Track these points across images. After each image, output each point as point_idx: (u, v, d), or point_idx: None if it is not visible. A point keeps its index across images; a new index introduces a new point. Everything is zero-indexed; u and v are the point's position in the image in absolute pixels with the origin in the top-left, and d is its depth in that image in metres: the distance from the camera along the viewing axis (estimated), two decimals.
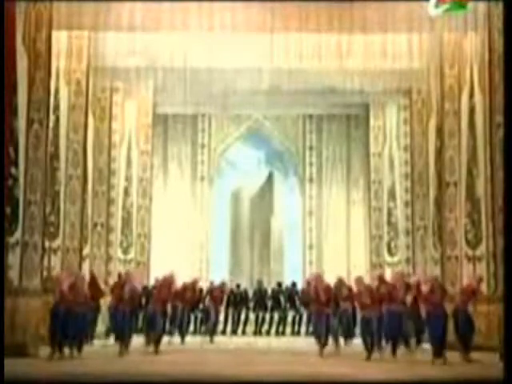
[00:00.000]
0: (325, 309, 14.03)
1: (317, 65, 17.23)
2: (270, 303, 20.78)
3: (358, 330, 15.29)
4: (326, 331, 13.99)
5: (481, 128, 15.71)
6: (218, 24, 15.93)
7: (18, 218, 13.67)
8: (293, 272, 23.71)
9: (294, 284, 21.42)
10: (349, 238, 25.03)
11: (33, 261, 13.83)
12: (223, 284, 19.05)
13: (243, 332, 20.48)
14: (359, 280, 14.11)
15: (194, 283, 18.08)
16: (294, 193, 25.95)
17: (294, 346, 17.34)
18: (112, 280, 18.11)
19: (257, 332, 20.53)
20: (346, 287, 15.53)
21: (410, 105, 20.67)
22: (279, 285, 21.38)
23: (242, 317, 20.69)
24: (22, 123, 13.91)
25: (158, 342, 14.58)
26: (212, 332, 17.95)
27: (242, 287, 21.31)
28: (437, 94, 17.59)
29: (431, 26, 15.55)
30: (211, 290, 18.68)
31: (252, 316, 20.77)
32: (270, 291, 21.14)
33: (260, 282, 21.49)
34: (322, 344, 13.99)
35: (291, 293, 20.93)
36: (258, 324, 20.67)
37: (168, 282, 15.31)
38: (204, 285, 19.63)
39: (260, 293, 20.97)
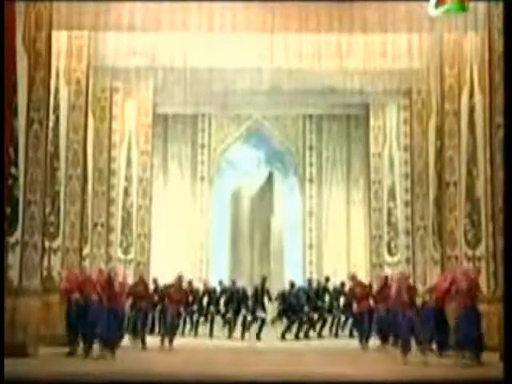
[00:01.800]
0: (407, 310, 13.14)
1: (317, 65, 17.20)
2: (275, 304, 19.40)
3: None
4: (409, 334, 12.99)
5: (481, 128, 15.68)
6: (218, 24, 15.92)
7: (17, 217, 13.65)
8: (293, 272, 23.66)
9: (309, 281, 20.64)
10: (349, 238, 25.05)
11: (33, 261, 13.80)
12: (179, 278, 16.34)
13: (242, 336, 18.64)
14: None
15: (142, 278, 16.70)
16: (293, 193, 25.97)
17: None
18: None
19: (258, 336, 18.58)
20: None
21: (410, 105, 20.63)
22: (292, 285, 19.60)
23: (240, 318, 19.07)
24: (22, 123, 13.89)
25: (89, 345, 13.30)
26: (170, 335, 15.80)
27: (241, 285, 19.99)
28: (437, 94, 17.58)
29: (431, 26, 15.52)
30: (168, 287, 16.61)
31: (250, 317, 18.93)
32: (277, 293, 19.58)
33: (264, 279, 19.62)
34: (406, 349, 12.84)
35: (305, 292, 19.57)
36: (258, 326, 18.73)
37: (106, 277, 13.59)
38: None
39: (262, 291, 19.28)
